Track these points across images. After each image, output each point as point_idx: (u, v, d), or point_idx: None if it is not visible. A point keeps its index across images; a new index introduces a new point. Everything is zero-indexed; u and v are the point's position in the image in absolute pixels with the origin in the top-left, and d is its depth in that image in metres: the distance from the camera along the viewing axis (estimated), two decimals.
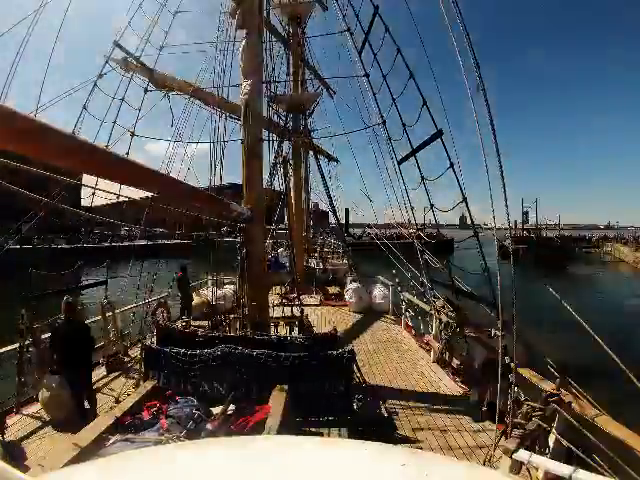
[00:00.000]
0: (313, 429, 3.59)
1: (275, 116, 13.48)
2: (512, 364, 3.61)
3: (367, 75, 8.84)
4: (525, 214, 50.35)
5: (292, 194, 13.45)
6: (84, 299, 12.12)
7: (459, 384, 5.88)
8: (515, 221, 49.31)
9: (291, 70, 14.46)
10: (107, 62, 9.24)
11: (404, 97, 7.85)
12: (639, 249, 31.62)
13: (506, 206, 3.68)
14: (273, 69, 11.69)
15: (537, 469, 2.81)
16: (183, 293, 9.92)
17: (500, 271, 3.65)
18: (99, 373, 6.49)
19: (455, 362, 6.39)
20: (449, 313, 6.60)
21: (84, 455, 2.21)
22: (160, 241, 37.66)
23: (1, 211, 21.66)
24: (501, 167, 3.61)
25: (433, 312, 7.33)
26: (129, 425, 2.82)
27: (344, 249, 21.61)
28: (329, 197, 16.12)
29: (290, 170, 12.95)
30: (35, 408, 5.19)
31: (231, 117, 9.73)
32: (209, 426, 2.86)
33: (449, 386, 5.84)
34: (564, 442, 2.93)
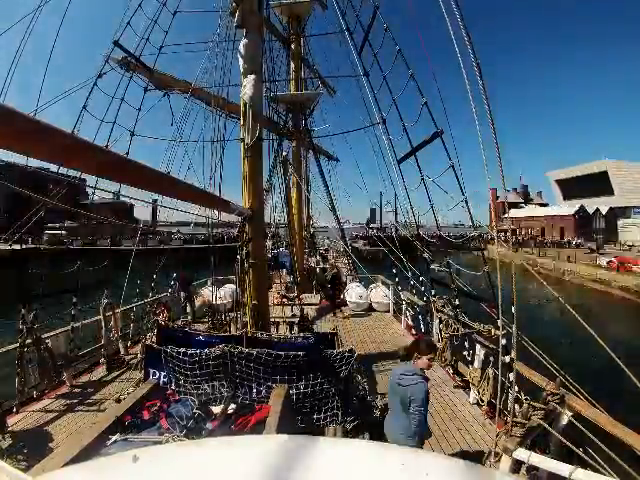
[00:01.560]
0: (313, 429, 3.59)
1: (275, 116, 13.49)
2: (513, 363, 3.61)
3: (367, 74, 8.83)
4: (370, 215, 65.88)
5: (292, 193, 13.46)
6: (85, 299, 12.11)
7: (459, 382, 5.89)
8: (363, 223, 64.34)
9: (291, 69, 14.45)
10: (107, 62, 9.23)
11: (404, 97, 7.87)
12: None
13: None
14: (273, 69, 11.68)
15: (537, 469, 2.81)
16: (187, 293, 10.06)
17: None
18: (100, 372, 6.51)
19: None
20: (449, 312, 6.62)
21: (84, 455, 2.21)
22: None
23: None
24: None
25: (433, 312, 7.33)
26: (129, 425, 2.81)
27: (344, 249, 21.64)
28: (329, 196, 16.15)
29: (290, 169, 12.97)
30: (35, 408, 5.20)
31: (231, 117, 9.73)
32: (209, 426, 2.86)
33: (450, 386, 5.84)
34: (564, 441, 2.93)
